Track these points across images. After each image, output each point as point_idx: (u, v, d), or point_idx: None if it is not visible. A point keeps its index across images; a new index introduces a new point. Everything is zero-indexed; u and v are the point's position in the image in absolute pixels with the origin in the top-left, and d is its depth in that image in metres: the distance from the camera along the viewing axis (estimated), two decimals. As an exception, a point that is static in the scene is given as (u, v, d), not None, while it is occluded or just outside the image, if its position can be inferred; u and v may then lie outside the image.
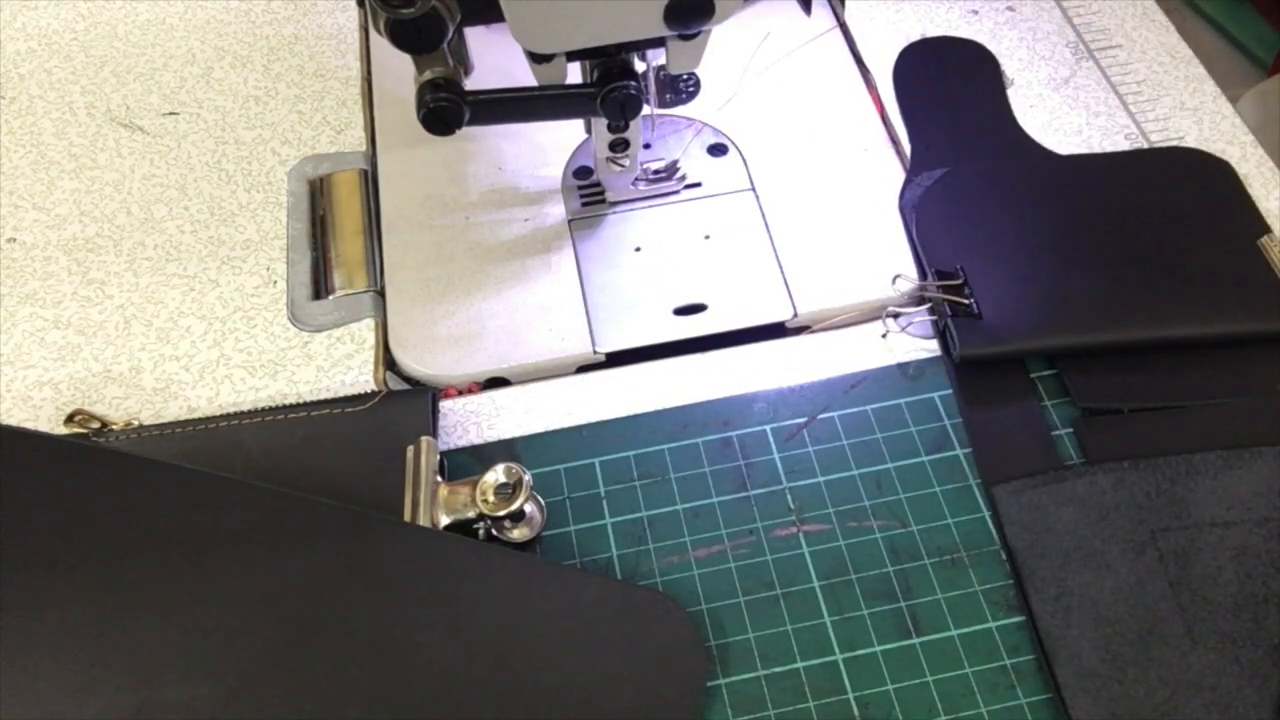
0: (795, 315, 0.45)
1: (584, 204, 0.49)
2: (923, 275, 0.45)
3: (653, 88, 0.45)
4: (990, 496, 0.39)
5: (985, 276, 0.43)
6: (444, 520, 0.37)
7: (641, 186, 0.48)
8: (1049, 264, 0.44)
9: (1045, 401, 0.41)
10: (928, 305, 0.43)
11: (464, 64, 0.40)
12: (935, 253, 0.45)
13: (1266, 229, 0.45)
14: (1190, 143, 0.49)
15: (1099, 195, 0.46)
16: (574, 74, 0.41)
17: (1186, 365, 0.42)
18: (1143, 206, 0.46)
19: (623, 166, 0.46)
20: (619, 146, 0.44)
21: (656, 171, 0.49)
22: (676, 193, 0.49)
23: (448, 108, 0.38)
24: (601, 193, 0.49)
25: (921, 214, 0.46)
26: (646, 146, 0.48)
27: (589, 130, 0.44)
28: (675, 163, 0.49)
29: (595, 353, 0.44)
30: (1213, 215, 0.46)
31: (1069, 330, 0.42)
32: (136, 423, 0.41)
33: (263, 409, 0.41)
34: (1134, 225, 0.45)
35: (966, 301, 0.42)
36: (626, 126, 0.43)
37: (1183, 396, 0.41)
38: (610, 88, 0.39)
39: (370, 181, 0.50)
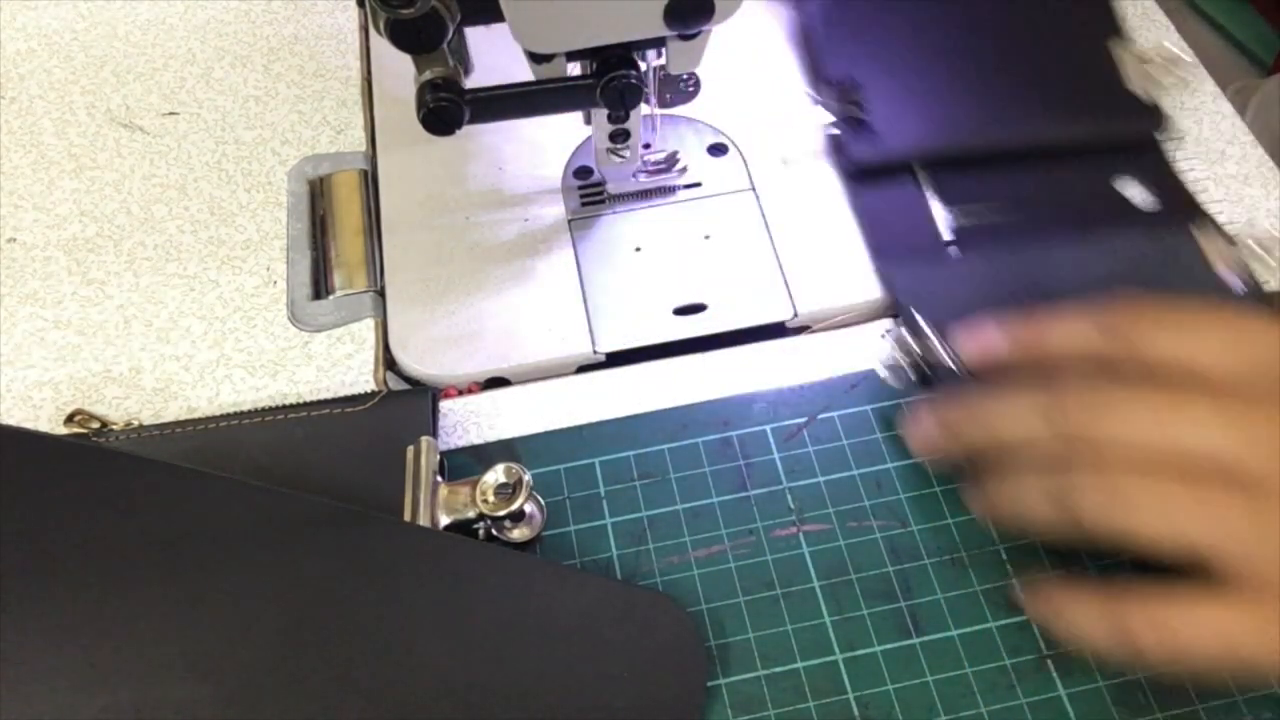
0: (795, 315, 0.45)
1: (584, 204, 0.49)
2: (816, 89, 0.49)
3: (653, 87, 0.45)
4: (878, 272, 0.45)
5: (875, 88, 0.48)
6: (444, 520, 0.37)
7: (642, 179, 0.48)
8: (934, 74, 0.49)
9: (927, 199, 0.47)
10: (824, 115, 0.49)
11: (464, 64, 0.40)
12: (828, 65, 0.48)
13: (1119, 31, 0.48)
14: (1190, 143, 0.49)
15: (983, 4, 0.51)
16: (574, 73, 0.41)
17: (1048, 167, 0.47)
18: (1017, 14, 0.50)
19: (623, 158, 0.46)
20: (619, 138, 0.44)
21: (656, 163, 0.49)
22: (675, 190, 0.49)
23: (448, 108, 0.38)
24: (601, 193, 0.49)
25: (815, 28, 0.49)
26: (646, 146, 0.48)
27: (589, 122, 0.44)
28: (675, 154, 0.49)
29: (595, 353, 0.44)
30: (1073, 19, 0.50)
31: (947, 138, 0.47)
32: (136, 423, 0.41)
33: (263, 409, 0.41)
34: (1008, 34, 0.50)
35: (859, 112, 0.47)
36: (627, 116, 0.43)
37: (1045, 193, 0.47)
38: (610, 77, 0.39)
39: (370, 181, 0.50)
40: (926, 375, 0.41)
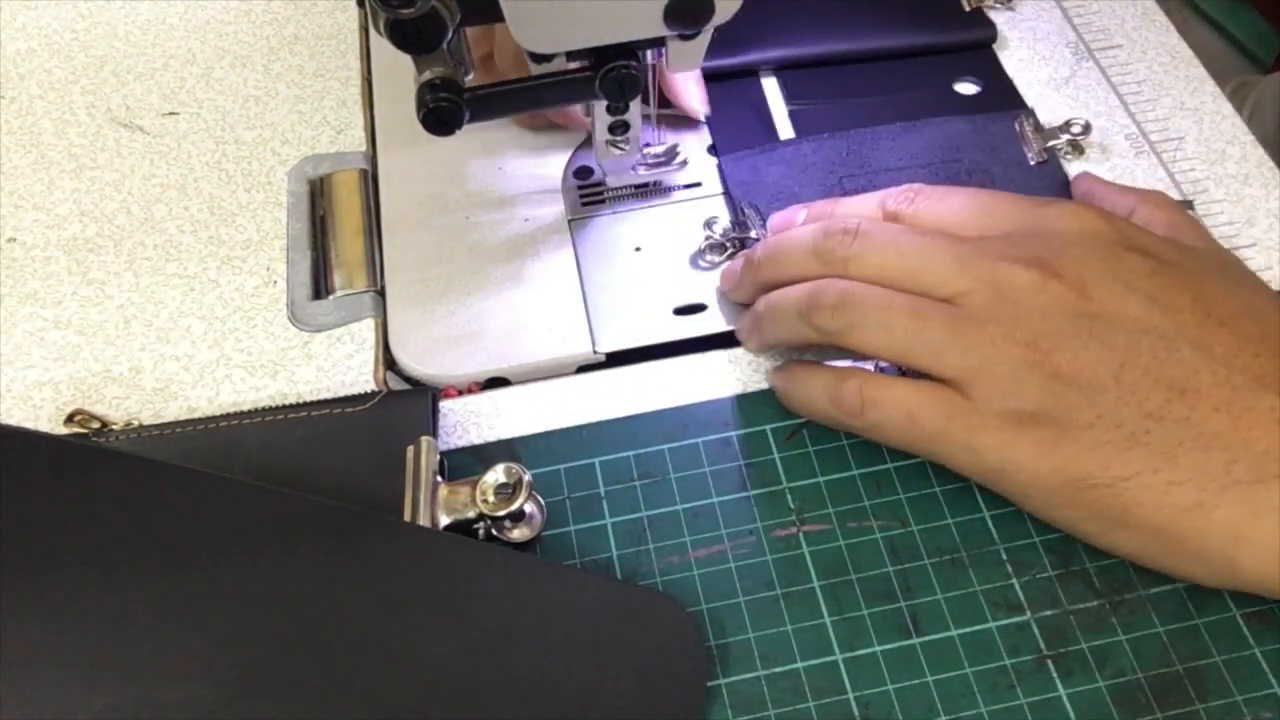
0: (795, 315, 0.45)
1: (584, 204, 0.49)
2: None
3: (653, 89, 0.45)
4: (719, 168, 0.49)
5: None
6: (444, 520, 0.37)
7: (641, 171, 0.49)
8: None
9: (767, 100, 0.51)
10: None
11: (464, 64, 0.40)
12: None
13: None
14: (1190, 143, 0.49)
15: None
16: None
17: (883, 70, 0.52)
18: None
19: (623, 150, 0.46)
20: (619, 129, 0.44)
21: (656, 156, 0.49)
22: (673, 190, 0.49)
23: (448, 108, 0.38)
24: (601, 193, 0.49)
25: None
26: (646, 146, 0.48)
27: (588, 114, 0.45)
28: (675, 146, 0.49)
29: (595, 353, 0.44)
30: None
31: (791, 46, 0.52)
32: (136, 423, 0.41)
33: (263, 409, 0.41)
34: None
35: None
36: (626, 108, 0.43)
37: (882, 89, 0.51)
38: (608, 68, 0.39)
39: (370, 181, 0.50)
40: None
